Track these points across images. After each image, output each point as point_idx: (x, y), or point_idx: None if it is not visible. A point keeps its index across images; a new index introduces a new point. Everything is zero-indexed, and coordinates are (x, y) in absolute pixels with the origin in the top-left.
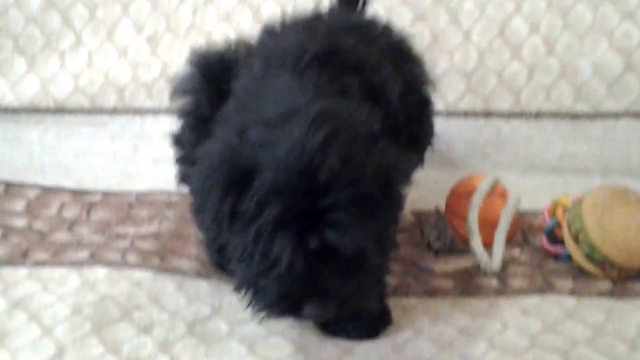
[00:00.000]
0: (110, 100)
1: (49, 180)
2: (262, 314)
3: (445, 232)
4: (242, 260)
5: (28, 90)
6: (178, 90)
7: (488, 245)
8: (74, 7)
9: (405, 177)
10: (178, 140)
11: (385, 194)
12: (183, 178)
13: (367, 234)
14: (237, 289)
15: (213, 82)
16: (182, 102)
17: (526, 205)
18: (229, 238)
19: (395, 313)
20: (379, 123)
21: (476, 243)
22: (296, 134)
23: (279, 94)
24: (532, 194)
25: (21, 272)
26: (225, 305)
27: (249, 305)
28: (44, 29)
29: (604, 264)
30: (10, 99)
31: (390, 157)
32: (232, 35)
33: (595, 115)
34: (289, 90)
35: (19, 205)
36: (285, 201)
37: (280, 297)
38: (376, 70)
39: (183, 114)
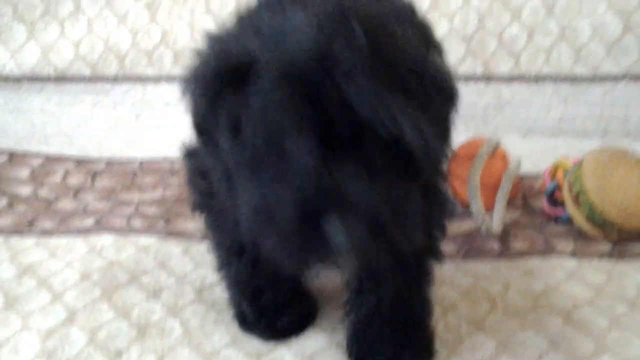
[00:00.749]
0: (111, 68)
1: (53, 149)
2: (275, 253)
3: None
4: (247, 186)
5: (29, 59)
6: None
7: (489, 208)
8: None
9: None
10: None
11: (427, 91)
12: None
13: (404, 116)
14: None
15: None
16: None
17: (526, 168)
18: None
19: None
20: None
21: (477, 206)
22: (307, 11)
23: None
24: (532, 157)
25: (28, 240)
26: None
27: (256, 245)
28: None
29: (604, 225)
30: (11, 68)
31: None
32: (230, 2)
33: (595, 78)
34: None
35: (24, 173)
36: (295, 87)
37: (295, 216)
38: None
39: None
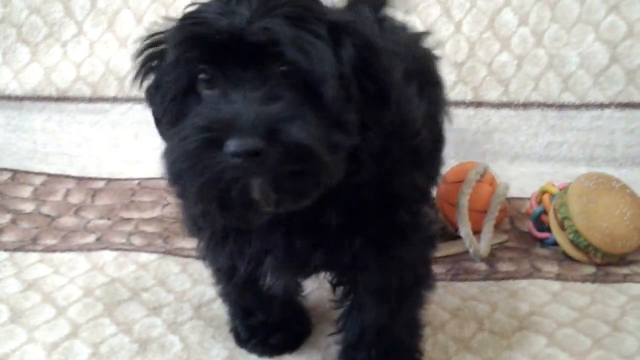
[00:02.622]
0: (111, 89)
1: (54, 168)
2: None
3: (436, 219)
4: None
5: (31, 79)
6: None
7: (477, 231)
8: None
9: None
10: None
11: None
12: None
13: (309, 53)
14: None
15: None
16: None
17: (514, 192)
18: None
19: None
20: None
21: (465, 230)
22: None
23: None
24: (519, 181)
25: (33, 256)
26: None
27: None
28: (46, 19)
29: (588, 249)
30: (14, 87)
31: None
32: None
33: (582, 106)
34: None
35: (26, 192)
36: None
37: (199, 142)
38: None
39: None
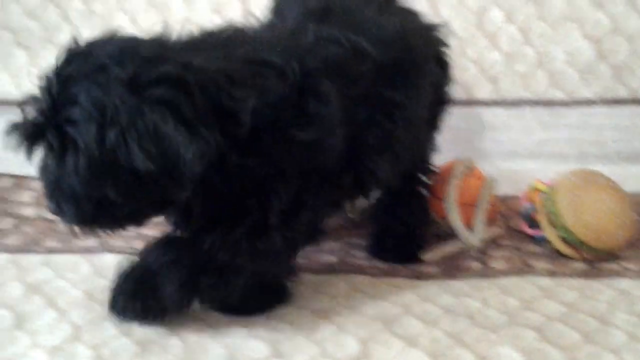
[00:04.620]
0: None
1: None
2: None
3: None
4: None
5: (28, 83)
6: None
7: (470, 225)
8: (71, 2)
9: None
10: None
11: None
12: None
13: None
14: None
15: None
16: None
17: (507, 190)
18: None
19: (385, 290)
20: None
21: (454, 217)
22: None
23: None
24: (512, 179)
25: (35, 259)
26: None
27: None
28: (42, 23)
29: (578, 245)
30: (11, 91)
31: None
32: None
33: (570, 102)
34: None
35: (28, 196)
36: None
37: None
38: None
39: None
